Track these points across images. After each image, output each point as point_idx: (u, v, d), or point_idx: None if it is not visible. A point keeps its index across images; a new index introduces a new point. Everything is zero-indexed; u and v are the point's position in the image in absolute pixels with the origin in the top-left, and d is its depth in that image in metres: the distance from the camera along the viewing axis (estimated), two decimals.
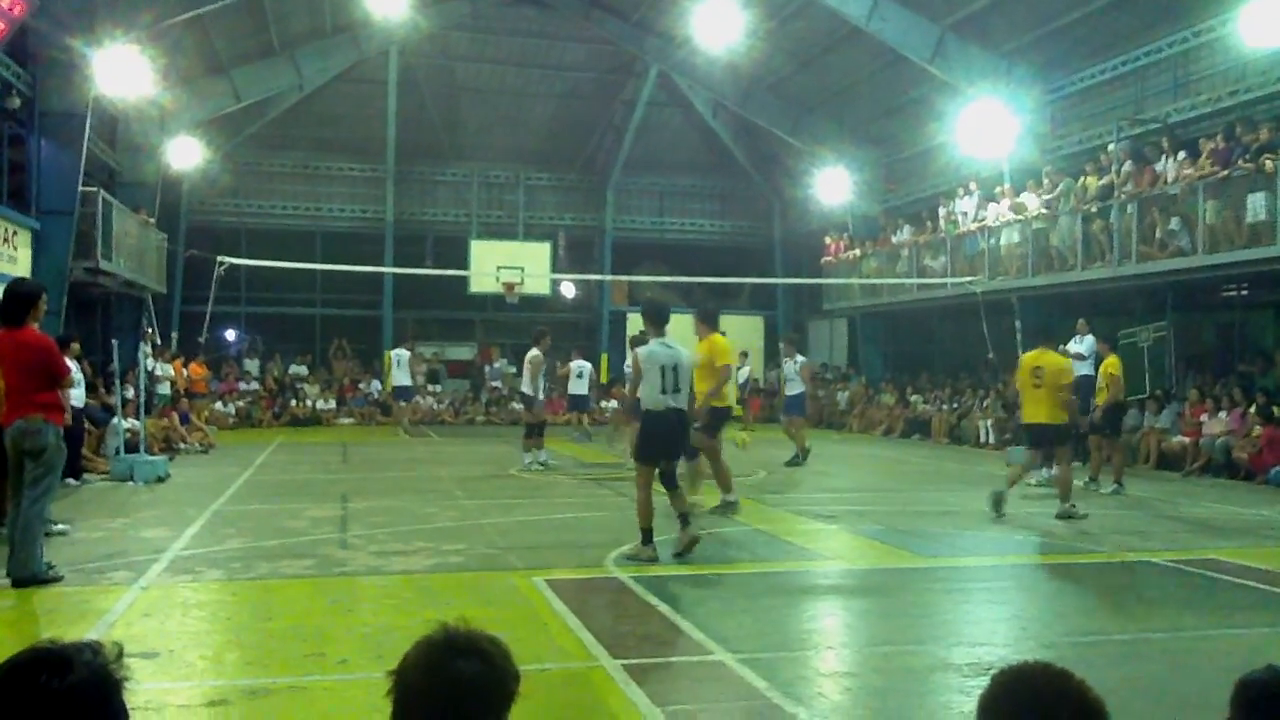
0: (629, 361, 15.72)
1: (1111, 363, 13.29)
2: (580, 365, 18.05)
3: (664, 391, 7.87)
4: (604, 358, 28.87)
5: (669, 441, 8.05)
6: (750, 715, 4.61)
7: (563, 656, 5.43)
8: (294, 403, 25.74)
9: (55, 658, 1.63)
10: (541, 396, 15.27)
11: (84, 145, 17.20)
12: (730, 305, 31.18)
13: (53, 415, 7.25)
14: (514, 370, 28.75)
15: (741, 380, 25.66)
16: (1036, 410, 10.44)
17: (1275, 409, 14.53)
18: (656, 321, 8.36)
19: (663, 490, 8.13)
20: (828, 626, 6.52)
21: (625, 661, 5.26)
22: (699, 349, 10.04)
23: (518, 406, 26.14)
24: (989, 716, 1.72)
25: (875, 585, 7.65)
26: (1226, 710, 2.06)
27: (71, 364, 12.46)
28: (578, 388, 18.06)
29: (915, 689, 5.06)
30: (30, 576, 6.93)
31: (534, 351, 14.91)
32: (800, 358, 16.52)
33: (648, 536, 7.97)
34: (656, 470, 8.02)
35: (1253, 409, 14.68)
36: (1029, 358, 10.80)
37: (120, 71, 17.17)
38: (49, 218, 16.62)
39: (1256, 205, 14.21)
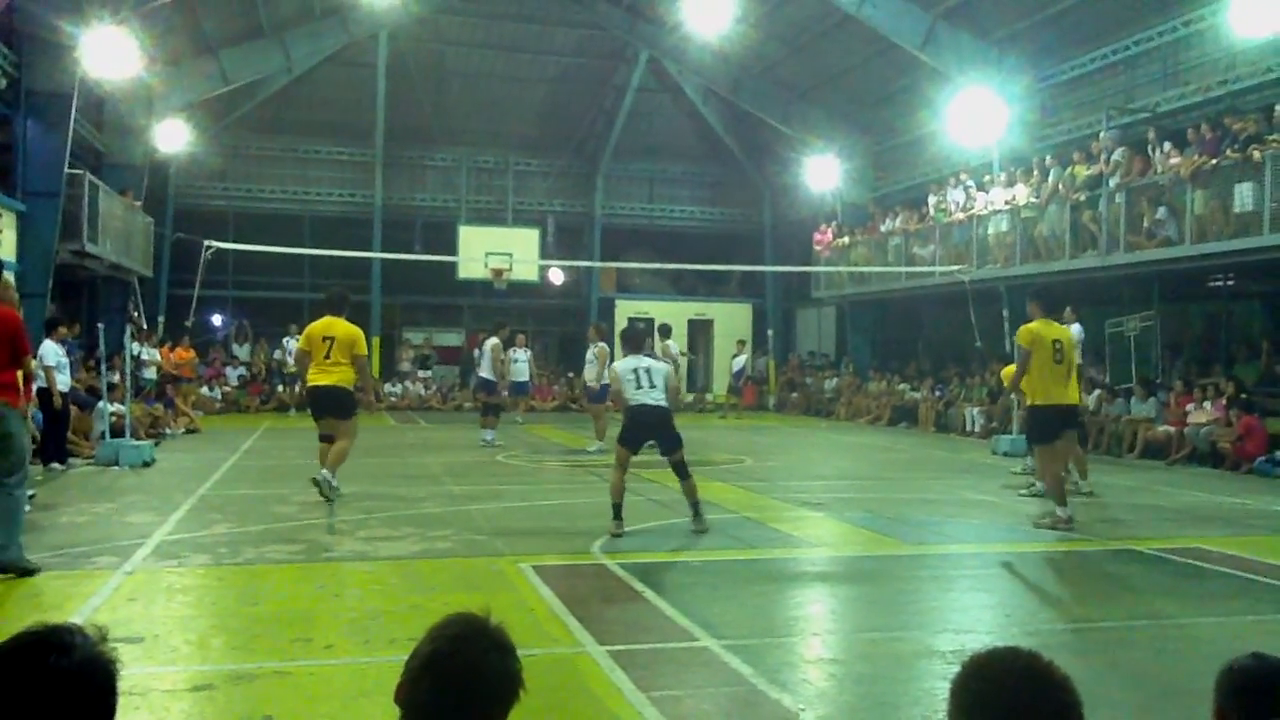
0: (591, 352, 16.40)
1: None
2: (519, 351, 18.37)
3: (639, 388, 8.76)
4: (592, 334, 28.80)
5: (645, 429, 8.89)
6: (735, 701, 4.62)
7: (549, 642, 5.43)
8: (281, 388, 25.65)
9: (56, 639, 1.64)
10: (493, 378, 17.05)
11: (70, 126, 17.09)
12: (719, 292, 31.27)
13: (9, 397, 6.95)
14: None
15: (737, 369, 25.76)
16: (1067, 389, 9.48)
17: (1246, 396, 14.66)
18: (632, 345, 9.22)
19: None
20: (814, 613, 6.54)
21: (611, 647, 5.28)
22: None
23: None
24: (960, 698, 1.75)
25: (861, 572, 7.68)
26: (1212, 696, 2.07)
27: (58, 347, 12.45)
28: (519, 374, 18.34)
29: (900, 675, 5.08)
30: (10, 563, 6.81)
31: (495, 340, 17.03)
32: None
33: (616, 511, 8.67)
34: (632, 456, 8.93)
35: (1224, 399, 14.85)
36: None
37: (108, 52, 17.01)
38: (35, 200, 16.51)
39: (1244, 195, 14.25)
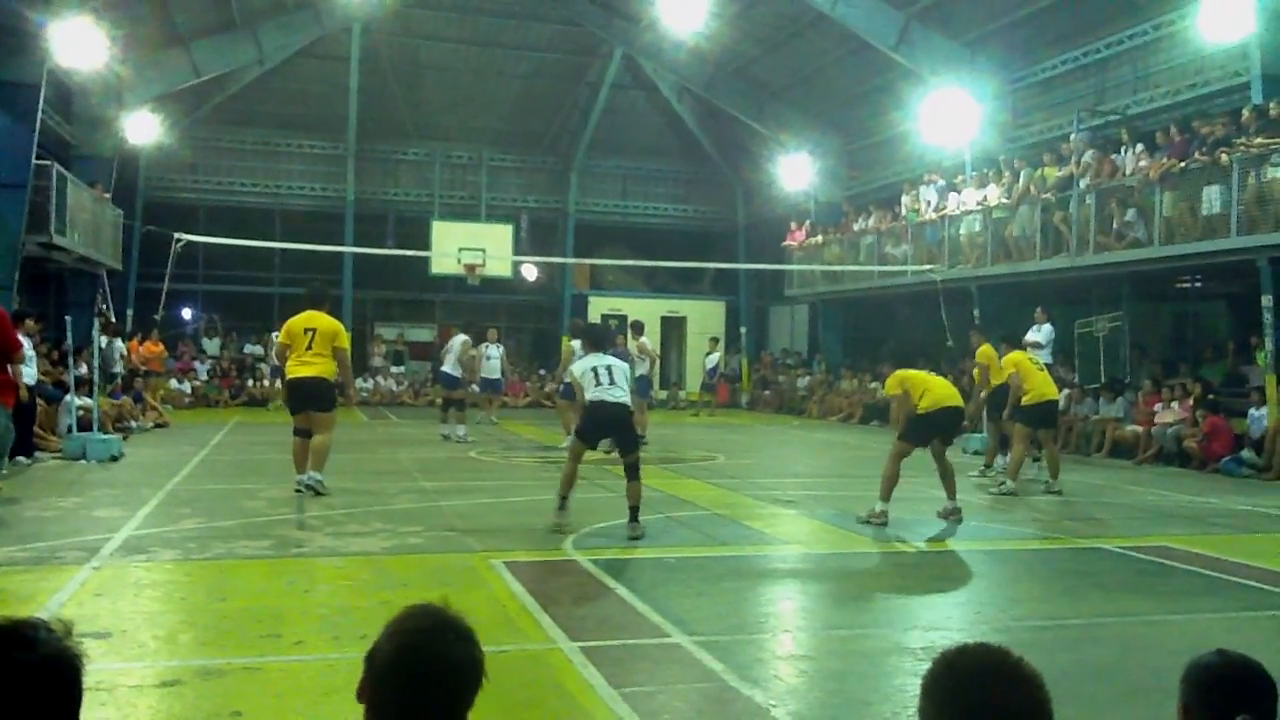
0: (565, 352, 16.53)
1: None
2: (491, 348, 18.37)
3: (599, 385, 8.62)
4: (565, 341, 28.80)
5: (604, 426, 8.75)
6: (707, 697, 4.62)
7: (521, 638, 5.42)
8: (251, 383, 25.48)
9: (19, 633, 1.61)
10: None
11: (38, 117, 16.84)
12: (693, 290, 31.30)
13: (3, 396, 6.91)
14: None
15: (710, 366, 25.81)
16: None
17: (1212, 397, 14.82)
18: (595, 343, 9.33)
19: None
20: (785, 610, 6.56)
21: (583, 644, 5.26)
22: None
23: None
24: (931, 693, 1.76)
25: (832, 569, 7.71)
26: (1179, 693, 2.09)
27: (24, 340, 12.30)
28: (490, 371, 18.31)
29: (871, 672, 5.10)
30: None
31: (464, 336, 17.23)
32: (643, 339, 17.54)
33: (562, 502, 8.69)
34: (587, 450, 8.93)
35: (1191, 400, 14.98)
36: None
37: (76, 42, 16.81)
38: (2, 191, 16.28)
39: (1211, 198, 14.40)
